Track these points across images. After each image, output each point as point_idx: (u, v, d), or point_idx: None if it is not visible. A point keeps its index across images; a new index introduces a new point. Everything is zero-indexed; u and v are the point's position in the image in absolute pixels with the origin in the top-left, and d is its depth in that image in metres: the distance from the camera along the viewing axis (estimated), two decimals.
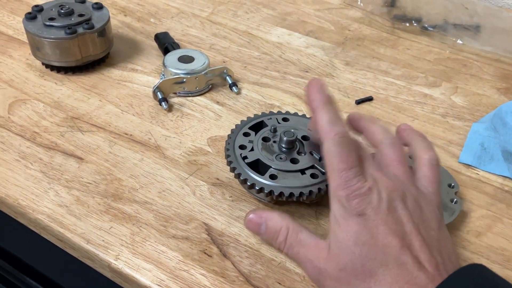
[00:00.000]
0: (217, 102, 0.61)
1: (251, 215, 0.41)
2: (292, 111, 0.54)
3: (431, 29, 0.77)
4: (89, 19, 0.62)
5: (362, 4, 0.82)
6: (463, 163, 0.55)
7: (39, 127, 0.56)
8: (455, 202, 0.47)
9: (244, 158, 0.47)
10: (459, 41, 0.75)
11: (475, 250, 0.46)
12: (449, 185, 0.49)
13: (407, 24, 0.78)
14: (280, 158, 0.48)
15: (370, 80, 0.67)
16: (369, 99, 0.63)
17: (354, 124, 0.44)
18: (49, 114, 0.58)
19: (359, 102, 0.62)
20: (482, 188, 0.52)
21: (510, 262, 0.45)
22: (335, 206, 0.37)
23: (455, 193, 0.48)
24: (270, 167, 0.47)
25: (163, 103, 0.59)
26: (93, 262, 0.45)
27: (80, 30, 0.61)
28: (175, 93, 0.62)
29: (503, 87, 0.67)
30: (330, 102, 0.40)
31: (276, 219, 0.40)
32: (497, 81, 0.68)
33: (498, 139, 0.56)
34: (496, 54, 0.73)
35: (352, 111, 0.41)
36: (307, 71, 0.67)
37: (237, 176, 0.46)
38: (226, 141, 0.49)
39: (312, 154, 0.48)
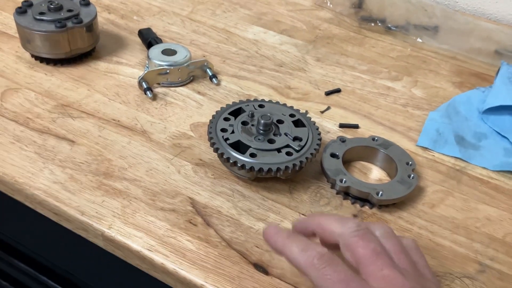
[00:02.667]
0: (198, 92, 0.66)
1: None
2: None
3: (394, 29, 0.83)
4: (78, 14, 0.66)
5: (331, 6, 0.88)
6: (420, 146, 0.61)
7: (32, 113, 0.60)
8: (412, 178, 0.53)
9: (226, 139, 0.52)
10: (419, 40, 0.82)
11: (429, 219, 0.52)
12: (407, 163, 0.55)
13: (373, 24, 0.84)
14: (258, 139, 0.53)
15: (339, 74, 0.73)
16: (337, 90, 0.69)
17: (303, 231, 0.40)
18: (40, 102, 0.61)
19: (328, 93, 0.68)
20: (436, 168, 0.58)
21: (459, 229, 0.51)
22: None
23: (412, 170, 0.54)
24: (250, 147, 0.52)
25: (148, 92, 0.63)
26: (87, 232, 0.49)
27: (69, 24, 0.65)
28: (158, 84, 0.66)
29: (457, 81, 0.74)
30: (290, 235, 0.38)
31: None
32: (452, 76, 0.75)
33: (451, 125, 0.63)
34: (452, 52, 0.80)
35: (296, 219, 0.42)
36: (281, 66, 0.73)
37: (220, 155, 0.51)
38: (208, 125, 0.54)
39: (286, 135, 0.53)
